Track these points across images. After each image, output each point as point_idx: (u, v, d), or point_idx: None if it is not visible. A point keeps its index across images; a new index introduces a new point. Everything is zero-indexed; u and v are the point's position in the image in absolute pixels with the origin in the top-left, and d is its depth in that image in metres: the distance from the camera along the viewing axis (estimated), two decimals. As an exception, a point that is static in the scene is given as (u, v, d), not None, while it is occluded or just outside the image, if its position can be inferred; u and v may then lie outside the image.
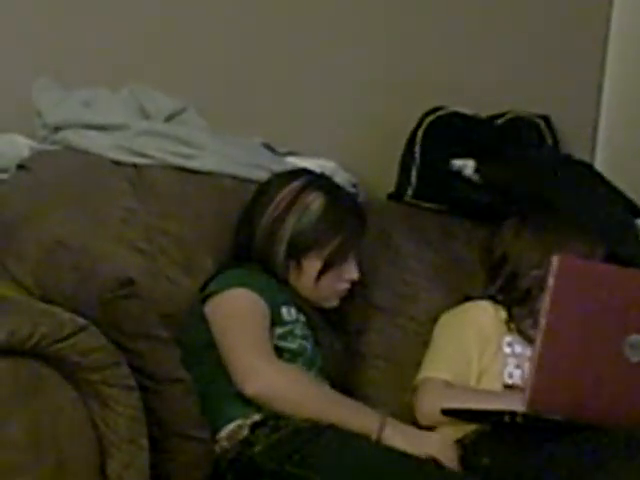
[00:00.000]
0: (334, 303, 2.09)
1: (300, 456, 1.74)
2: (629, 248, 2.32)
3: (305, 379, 1.93)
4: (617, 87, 2.77)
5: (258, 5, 2.45)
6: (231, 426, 1.87)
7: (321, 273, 2.04)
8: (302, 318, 2.02)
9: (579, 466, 1.78)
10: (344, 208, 2.09)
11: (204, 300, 1.98)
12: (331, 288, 2.07)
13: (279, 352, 1.94)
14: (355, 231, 2.09)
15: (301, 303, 2.04)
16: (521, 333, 2.12)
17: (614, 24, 2.77)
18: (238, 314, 1.94)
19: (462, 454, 1.92)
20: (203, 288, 2.02)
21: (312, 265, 2.04)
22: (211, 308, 1.96)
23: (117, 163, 2.15)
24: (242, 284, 1.97)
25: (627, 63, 2.75)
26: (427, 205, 2.43)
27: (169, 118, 2.25)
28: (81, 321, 1.61)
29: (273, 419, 1.83)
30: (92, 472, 1.61)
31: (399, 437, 1.84)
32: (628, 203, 2.45)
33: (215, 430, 1.86)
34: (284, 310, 1.99)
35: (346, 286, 2.09)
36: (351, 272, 2.08)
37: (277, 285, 2.02)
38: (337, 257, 2.05)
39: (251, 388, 1.84)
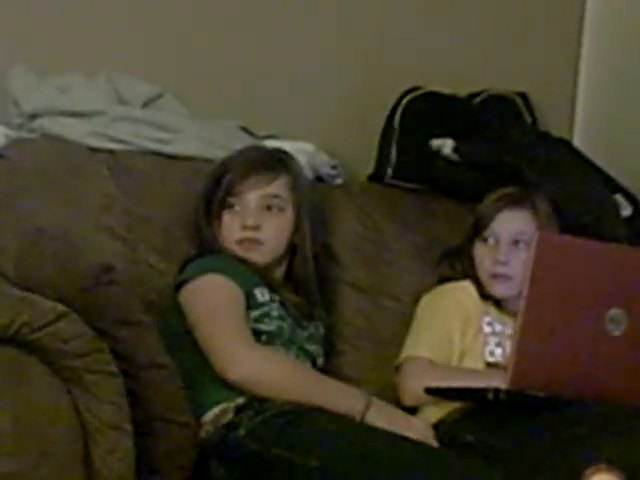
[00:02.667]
0: (251, 256, 2.02)
1: (284, 438, 1.74)
2: (608, 223, 2.33)
3: (287, 362, 1.93)
4: (594, 63, 2.77)
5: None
6: (215, 410, 1.87)
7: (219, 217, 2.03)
8: (276, 298, 2.02)
9: (562, 441, 1.79)
10: (230, 156, 2.08)
11: (177, 288, 1.97)
12: (231, 235, 2.03)
13: (256, 335, 1.93)
14: (239, 169, 2.04)
15: (271, 281, 2.03)
16: (499, 309, 2.13)
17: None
18: (213, 300, 1.93)
19: (446, 432, 1.93)
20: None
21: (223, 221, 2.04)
22: (185, 296, 1.95)
23: (94, 150, 2.14)
24: (213, 270, 1.96)
25: (604, 39, 2.75)
26: (407, 185, 2.44)
27: (146, 104, 2.24)
28: (62, 308, 1.61)
29: (257, 402, 1.83)
30: (76, 459, 1.60)
31: (382, 419, 1.84)
32: (606, 179, 2.46)
33: (199, 415, 1.86)
34: (257, 292, 1.99)
35: (244, 234, 2.02)
36: (246, 218, 2.02)
37: (247, 268, 2.01)
38: (227, 198, 2.03)
39: (233, 374, 1.84)
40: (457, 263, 2.20)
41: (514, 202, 2.15)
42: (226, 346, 1.86)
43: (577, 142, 2.71)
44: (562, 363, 1.84)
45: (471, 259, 2.16)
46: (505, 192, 2.18)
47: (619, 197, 2.42)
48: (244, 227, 2.02)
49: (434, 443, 1.88)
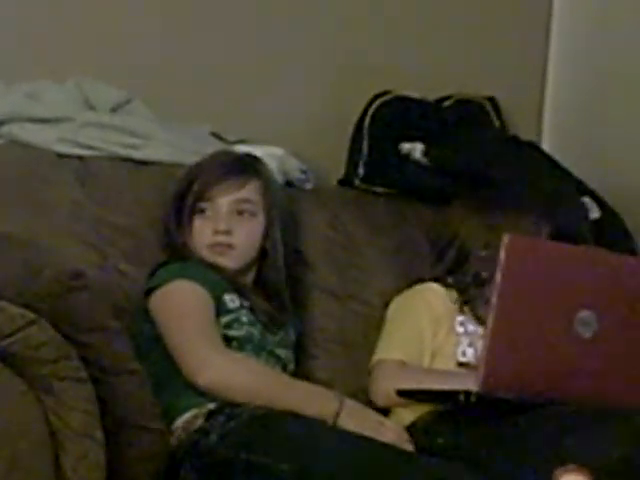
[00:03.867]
0: (222, 261, 2.02)
1: (256, 443, 1.73)
2: (577, 226, 2.35)
3: (256, 367, 1.93)
4: (562, 67, 2.79)
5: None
6: (186, 416, 1.86)
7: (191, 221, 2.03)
8: (246, 304, 2.01)
9: (532, 444, 1.80)
10: (201, 161, 2.08)
11: (147, 294, 1.97)
12: (202, 240, 2.02)
13: (226, 341, 1.93)
14: (210, 174, 2.04)
15: (241, 286, 2.03)
16: (474, 315, 2.14)
17: (557, 2, 2.79)
18: (182, 306, 1.93)
19: (417, 435, 1.93)
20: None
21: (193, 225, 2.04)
22: (154, 302, 1.95)
23: (62, 156, 2.13)
24: (182, 276, 1.96)
25: (571, 43, 2.77)
26: (377, 189, 2.44)
27: (115, 109, 2.24)
28: (30, 315, 1.60)
29: (228, 407, 1.83)
30: (46, 467, 1.59)
31: (354, 421, 1.84)
32: (575, 182, 2.48)
33: (170, 421, 1.85)
34: (227, 298, 1.99)
35: (215, 238, 2.02)
36: (217, 223, 2.02)
37: (216, 273, 2.00)
38: (198, 203, 2.03)
39: (203, 380, 1.84)
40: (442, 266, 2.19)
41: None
42: (196, 351, 1.86)
43: (545, 146, 2.73)
44: (532, 365, 1.85)
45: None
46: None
47: (587, 200, 2.44)
48: (216, 232, 2.02)
49: (407, 446, 1.87)
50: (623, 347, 1.89)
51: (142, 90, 2.28)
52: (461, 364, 2.09)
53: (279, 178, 2.28)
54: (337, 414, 1.84)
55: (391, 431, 1.87)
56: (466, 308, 2.14)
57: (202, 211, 2.04)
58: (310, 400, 1.87)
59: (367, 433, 1.81)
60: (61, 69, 2.25)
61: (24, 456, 1.56)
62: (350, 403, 1.88)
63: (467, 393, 1.84)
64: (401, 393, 2.00)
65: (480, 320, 2.10)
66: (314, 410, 1.84)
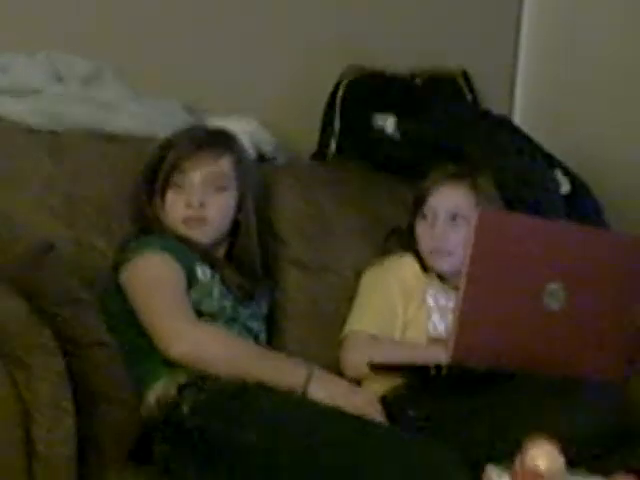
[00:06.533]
0: (195, 234, 2.02)
1: (226, 414, 1.74)
2: (547, 200, 2.36)
3: (228, 338, 1.93)
4: (533, 41, 2.80)
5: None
6: (158, 389, 1.86)
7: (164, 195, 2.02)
8: (217, 276, 2.01)
9: (502, 415, 1.81)
10: (174, 134, 2.08)
11: (118, 267, 1.96)
12: (175, 213, 2.02)
13: (198, 315, 1.93)
14: (184, 146, 2.03)
15: (213, 260, 2.03)
16: (446, 284, 2.14)
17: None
18: (154, 279, 1.93)
19: (388, 408, 1.94)
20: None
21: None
22: (125, 275, 1.94)
23: (33, 129, 2.12)
24: (154, 248, 1.95)
25: (543, 16, 2.78)
26: (349, 163, 2.44)
27: (86, 82, 2.23)
28: (1, 287, 1.59)
29: (199, 379, 1.83)
30: (17, 438, 1.59)
31: (324, 390, 1.85)
32: (546, 156, 2.49)
33: (142, 393, 1.85)
34: (199, 270, 1.99)
35: (188, 212, 2.02)
36: (190, 196, 2.01)
37: (189, 247, 2.00)
38: (171, 176, 2.02)
39: (175, 351, 1.84)
40: (404, 240, 2.21)
41: (451, 178, 2.16)
42: (167, 323, 1.86)
43: (517, 119, 2.74)
44: (502, 337, 1.86)
45: (414, 236, 2.17)
46: (445, 168, 2.19)
47: (558, 173, 2.45)
48: (188, 205, 2.02)
49: (377, 417, 1.87)
50: (591, 319, 1.91)
51: (113, 62, 2.27)
52: (432, 338, 2.10)
53: (251, 152, 2.27)
54: (307, 383, 1.85)
55: (362, 398, 1.87)
56: (433, 276, 2.15)
57: (175, 185, 2.04)
58: (281, 369, 1.87)
59: (337, 401, 1.82)
60: (31, 41, 2.23)
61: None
62: (320, 372, 1.89)
63: (438, 367, 1.86)
64: (373, 367, 2.00)
65: (449, 286, 2.11)
66: (285, 379, 1.84)
